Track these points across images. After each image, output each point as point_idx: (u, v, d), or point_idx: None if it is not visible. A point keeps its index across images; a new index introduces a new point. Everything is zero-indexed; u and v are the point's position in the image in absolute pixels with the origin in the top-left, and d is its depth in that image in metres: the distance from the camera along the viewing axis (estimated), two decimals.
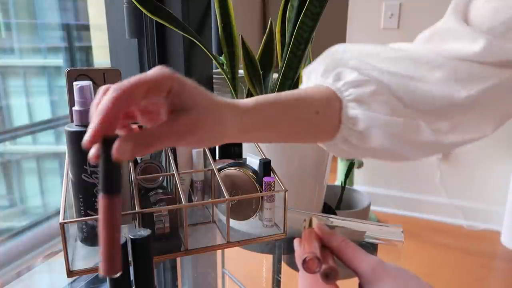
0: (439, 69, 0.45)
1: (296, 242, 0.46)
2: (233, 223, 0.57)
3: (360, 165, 2.06)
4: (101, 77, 0.51)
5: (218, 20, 0.75)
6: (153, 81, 0.33)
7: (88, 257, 0.48)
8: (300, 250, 0.43)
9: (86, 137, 0.31)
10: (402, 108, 0.46)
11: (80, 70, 0.51)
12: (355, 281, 0.41)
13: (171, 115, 0.35)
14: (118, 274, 0.31)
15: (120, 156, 0.31)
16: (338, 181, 2.03)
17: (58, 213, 0.45)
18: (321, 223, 0.47)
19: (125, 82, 0.32)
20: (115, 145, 0.31)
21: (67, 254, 0.44)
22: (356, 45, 0.50)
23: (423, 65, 0.46)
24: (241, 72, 0.76)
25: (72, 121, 0.46)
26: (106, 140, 0.31)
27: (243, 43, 0.72)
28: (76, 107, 0.45)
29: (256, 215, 0.58)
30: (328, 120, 0.47)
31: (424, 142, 0.47)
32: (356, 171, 2.20)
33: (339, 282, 0.40)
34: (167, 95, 0.34)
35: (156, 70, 0.34)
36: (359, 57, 0.48)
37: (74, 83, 0.45)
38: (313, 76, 0.50)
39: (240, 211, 0.57)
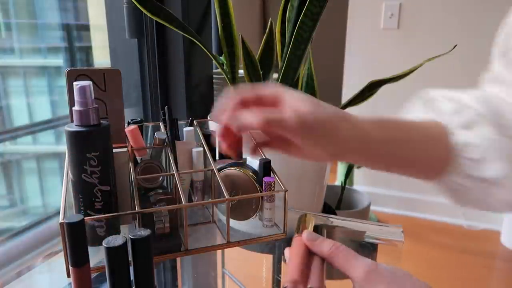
0: None
1: (286, 252, 0.46)
2: (233, 223, 0.57)
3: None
4: (101, 77, 0.51)
5: (218, 20, 0.75)
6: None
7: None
8: (286, 268, 0.42)
9: (218, 134, 0.44)
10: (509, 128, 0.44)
11: (80, 70, 0.51)
12: None
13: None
14: None
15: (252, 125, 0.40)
16: (338, 181, 2.03)
17: (58, 213, 0.45)
18: (308, 231, 0.46)
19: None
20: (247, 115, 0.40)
21: (67, 254, 0.44)
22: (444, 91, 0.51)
23: None
24: (241, 72, 0.76)
25: (72, 121, 0.46)
26: (68, 224, 0.36)
27: (243, 43, 0.72)
28: (76, 107, 0.45)
29: (256, 215, 0.58)
30: (437, 151, 0.46)
31: None
32: (356, 171, 2.19)
33: (337, 282, 0.40)
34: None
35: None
36: (450, 97, 0.48)
37: (74, 83, 0.45)
38: (411, 109, 0.52)
39: (240, 211, 0.57)
